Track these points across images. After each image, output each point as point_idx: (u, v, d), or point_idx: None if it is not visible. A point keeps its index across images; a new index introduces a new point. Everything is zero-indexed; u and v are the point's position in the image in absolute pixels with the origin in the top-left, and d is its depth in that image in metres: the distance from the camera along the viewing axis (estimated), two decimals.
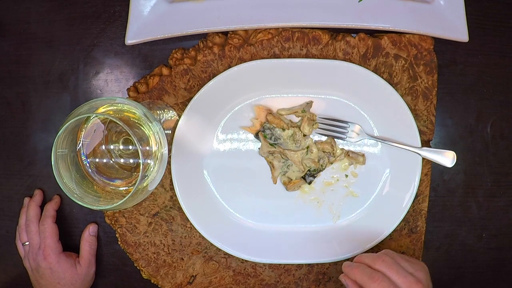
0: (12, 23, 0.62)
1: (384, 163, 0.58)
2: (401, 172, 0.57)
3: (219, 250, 0.59)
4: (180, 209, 0.58)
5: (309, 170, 0.58)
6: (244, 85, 0.56)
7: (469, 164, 0.61)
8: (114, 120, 0.41)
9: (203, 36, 0.58)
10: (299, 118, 0.58)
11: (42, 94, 0.62)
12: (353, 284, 0.47)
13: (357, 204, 0.59)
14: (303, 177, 0.58)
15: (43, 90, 0.62)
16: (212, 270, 0.60)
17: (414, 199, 0.57)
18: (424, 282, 0.45)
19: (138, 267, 0.61)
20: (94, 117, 0.45)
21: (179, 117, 0.56)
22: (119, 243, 0.60)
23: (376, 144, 0.58)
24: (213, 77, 0.55)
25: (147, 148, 0.45)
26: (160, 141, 0.45)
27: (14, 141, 0.63)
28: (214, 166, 0.59)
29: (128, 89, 0.59)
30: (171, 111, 0.58)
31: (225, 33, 0.57)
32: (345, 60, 0.56)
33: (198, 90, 0.56)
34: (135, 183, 0.41)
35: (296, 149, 0.57)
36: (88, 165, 0.46)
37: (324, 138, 0.59)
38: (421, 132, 0.57)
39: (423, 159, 0.56)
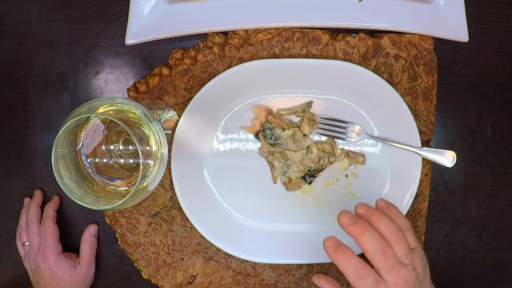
0: (12, 23, 0.62)
1: (384, 163, 0.58)
2: (401, 172, 0.57)
3: (219, 250, 0.59)
4: (180, 209, 0.58)
5: (309, 170, 0.58)
6: (244, 85, 0.56)
7: (469, 164, 0.61)
8: (114, 120, 0.41)
9: (203, 36, 0.58)
10: (299, 118, 0.58)
11: (42, 94, 0.62)
12: (329, 285, 0.45)
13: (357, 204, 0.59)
14: (303, 177, 0.58)
15: (43, 90, 0.62)
16: (212, 270, 0.60)
17: (414, 199, 0.57)
18: (412, 276, 0.42)
19: (138, 267, 0.61)
20: (94, 117, 0.45)
21: (179, 117, 0.56)
22: (119, 243, 0.60)
23: (376, 144, 0.58)
24: (213, 77, 0.55)
25: (147, 148, 0.45)
26: (160, 141, 0.45)
27: (14, 141, 0.63)
28: (214, 166, 0.59)
29: (128, 89, 0.59)
30: (171, 111, 0.58)
31: (225, 33, 0.57)
32: (345, 60, 0.56)
33: (198, 90, 0.56)
34: (135, 183, 0.41)
35: (296, 149, 0.57)
36: (88, 165, 0.46)
37: (324, 138, 0.59)
38: (421, 132, 0.57)
39: (423, 159, 0.56)
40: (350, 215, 0.43)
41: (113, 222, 0.60)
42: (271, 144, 0.57)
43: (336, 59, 0.56)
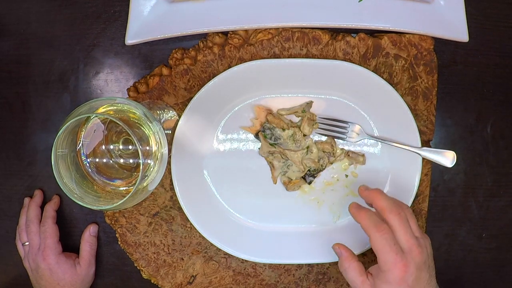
0: (12, 23, 0.62)
1: (384, 163, 0.58)
2: (401, 172, 0.57)
3: (219, 250, 0.59)
4: (180, 209, 0.58)
5: (309, 170, 0.58)
6: (244, 85, 0.57)
7: (469, 164, 0.61)
8: (114, 120, 0.41)
9: (203, 36, 0.58)
10: (299, 118, 0.58)
11: (42, 94, 0.62)
12: (347, 253, 0.47)
13: None
14: (303, 177, 0.58)
15: (43, 90, 0.62)
16: (212, 270, 0.60)
17: (414, 199, 0.57)
18: (426, 250, 0.44)
19: (138, 267, 0.61)
20: (94, 117, 0.45)
21: (179, 117, 0.56)
22: (119, 243, 0.60)
23: (376, 144, 0.58)
24: (213, 77, 0.55)
25: (147, 148, 0.45)
26: (160, 141, 0.45)
27: (14, 141, 0.63)
28: (214, 166, 0.59)
29: (128, 89, 0.59)
30: (171, 111, 0.58)
31: (225, 33, 0.57)
32: (345, 60, 0.56)
33: (198, 90, 0.56)
34: (135, 183, 0.41)
35: (296, 149, 0.57)
36: (88, 165, 0.46)
37: (324, 138, 0.59)
38: (421, 132, 0.57)
39: (423, 159, 0.56)
40: (365, 186, 0.49)
41: (113, 222, 0.60)
42: (271, 144, 0.57)
43: (336, 59, 0.56)
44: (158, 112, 0.56)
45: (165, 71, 0.58)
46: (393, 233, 0.43)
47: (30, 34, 0.62)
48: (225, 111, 0.58)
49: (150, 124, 0.45)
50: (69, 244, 0.62)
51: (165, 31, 0.56)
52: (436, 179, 0.61)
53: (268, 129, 0.57)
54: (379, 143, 0.58)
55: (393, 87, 0.55)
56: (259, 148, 0.59)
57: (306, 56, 0.57)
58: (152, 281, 0.61)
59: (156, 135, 0.45)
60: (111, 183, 0.47)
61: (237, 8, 0.56)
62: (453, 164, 0.56)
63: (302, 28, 0.56)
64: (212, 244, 0.58)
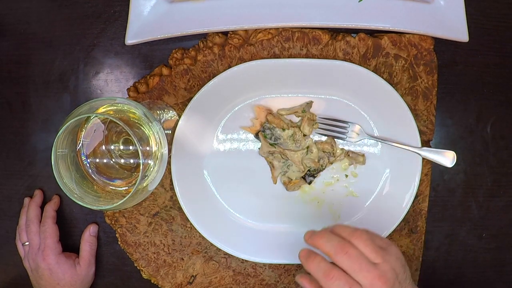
0: (12, 23, 0.62)
1: (384, 163, 0.58)
2: (401, 172, 0.57)
3: (219, 250, 0.59)
4: (180, 209, 0.58)
5: (309, 170, 0.58)
6: (244, 85, 0.57)
7: (469, 164, 0.61)
8: (114, 120, 0.41)
9: (203, 36, 0.58)
10: (299, 118, 0.58)
11: (42, 94, 0.62)
12: (310, 286, 0.44)
13: (357, 204, 0.59)
14: (303, 177, 0.58)
15: (43, 90, 0.62)
16: (212, 270, 0.60)
17: (414, 199, 0.57)
18: (389, 275, 0.40)
19: (138, 267, 0.61)
20: (94, 117, 0.45)
21: (179, 117, 0.56)
22: (119, 243, 0.60)
23: (376, 144, 0.58)
24: (213, 77, 0.55)
25: (147, 148, 0.45)
26: (160, 141, 0.45)
27: (14, 141, 0.63)
28: (214, 166, 0.59)
29: (128, 89, 0.59)
30: (171, 111, 0.58)
31: (225, 33, 0.57)
32: (345, 60, 0.56)
33: (198, 90, 0.56)
34: (135, 183, 0.41)
35: (296, 149, 0.57)
36: (88, 165, 0.46)
37: (324, 138, 0.59)
38: (421, 132, 0.57)
39: (423, 159, 0.56)
40: (311, 232, 0.45)
41: (113, 222, 0.60)
42: (271, 144, 0.57)
43: (336, 59, 0.56)
44: (158, 112, 0.56)
45: (165, 71, 0.58)
46: (346, 275, 0.40)
47: (30, 34, 0.62)
48: (225, 111, 0.58)
49: (150, 124, 0.45)
50: (69, 244, 0.62)
51: (165, 31, 0.56)
52: (436, 179, 0.61)
53: (268, 129, 0.57)
54: (379, 143, 0.58)
55: (393, 87, 0.55)
56: (259, 148, 0.59)
57: (306, 56, 0.57)
58: (152, 281, 0.61)
59: (156, 135, 0.45)
60: (111, 183, 0.47)
61: (237, 8, 0.56)
62: (453, 164, 0.56)
63: (302, 28, 0.56)
64: (212, 244, 0.58)
